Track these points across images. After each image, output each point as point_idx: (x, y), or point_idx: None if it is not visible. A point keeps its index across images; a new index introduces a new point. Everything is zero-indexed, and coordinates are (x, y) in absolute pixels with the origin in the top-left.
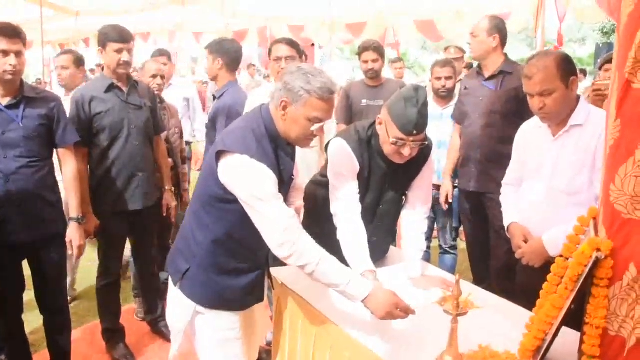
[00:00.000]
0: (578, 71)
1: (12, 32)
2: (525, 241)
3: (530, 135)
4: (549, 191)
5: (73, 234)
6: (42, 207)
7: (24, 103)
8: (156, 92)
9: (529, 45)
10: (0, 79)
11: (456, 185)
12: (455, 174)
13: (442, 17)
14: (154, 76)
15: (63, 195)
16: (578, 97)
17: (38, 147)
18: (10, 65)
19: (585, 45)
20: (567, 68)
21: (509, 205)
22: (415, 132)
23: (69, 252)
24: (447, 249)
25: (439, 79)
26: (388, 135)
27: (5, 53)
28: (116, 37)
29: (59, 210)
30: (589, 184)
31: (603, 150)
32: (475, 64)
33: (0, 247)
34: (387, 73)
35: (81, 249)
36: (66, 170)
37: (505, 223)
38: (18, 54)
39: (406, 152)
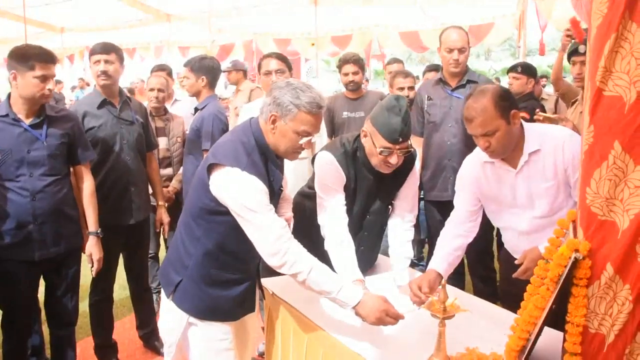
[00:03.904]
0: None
1: (50, 58)
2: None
3: (484, 172)
4: (531, 220)
5: (93, 247)
6: (64, 224)
7: (46, 122)
8: (155, 105)
9: (512, 55)
10: (36, 102)
11: (421, 197)
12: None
13: (426, 29)
14: (152, 89)
15: None
16: (522, 126)
17: (60, 165)
18: (49, 90)
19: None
20: (504, 104)
21: (444, 249)
22: (401, 139)
23: (89, 264)
24: (415, 262)
25: (401, 89)
26: (374, 145)
27: (45, 78)
28: (97, 49)
29: (79, 226)
30: (568, 199)
31: (571, 165)
32: None
33: (21, 263)
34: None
35: (100, 262)
36: (85, 186)
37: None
38: (53, 79)
39: (393, 160)
